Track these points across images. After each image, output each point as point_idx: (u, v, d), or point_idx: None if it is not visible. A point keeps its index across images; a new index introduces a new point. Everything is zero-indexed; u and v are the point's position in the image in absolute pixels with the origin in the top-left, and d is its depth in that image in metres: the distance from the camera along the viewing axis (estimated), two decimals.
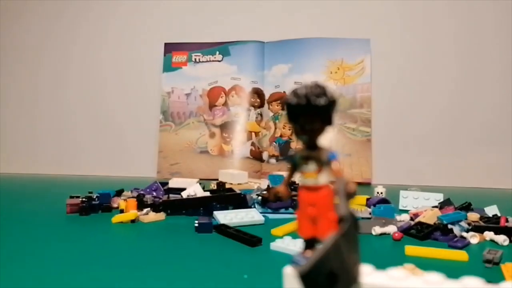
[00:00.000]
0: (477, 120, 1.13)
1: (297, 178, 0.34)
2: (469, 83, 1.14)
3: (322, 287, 0.25)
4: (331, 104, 0.31)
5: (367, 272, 0.31)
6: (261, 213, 0.67)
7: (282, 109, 0.33)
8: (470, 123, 1.14)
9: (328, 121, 0.32)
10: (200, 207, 0.68)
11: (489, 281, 0.30)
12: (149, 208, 0.67)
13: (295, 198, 0.37)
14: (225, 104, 1.21)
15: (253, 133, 1.19)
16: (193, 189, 0.73)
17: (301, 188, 0.33)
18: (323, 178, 0.32)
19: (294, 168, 0.34)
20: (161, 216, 0.65)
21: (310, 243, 0.34)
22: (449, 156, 1.13)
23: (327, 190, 0.32)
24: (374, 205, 0.68)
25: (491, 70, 1.13)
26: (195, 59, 1.23)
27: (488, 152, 1.11)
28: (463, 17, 1.15)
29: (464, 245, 0.51)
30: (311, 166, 0.32)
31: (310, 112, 0.31)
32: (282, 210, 0.69)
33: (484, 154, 1.11)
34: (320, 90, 0.31)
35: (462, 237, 0.54)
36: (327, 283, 0.26)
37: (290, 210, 0.69)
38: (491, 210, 0.67)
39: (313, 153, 0.33)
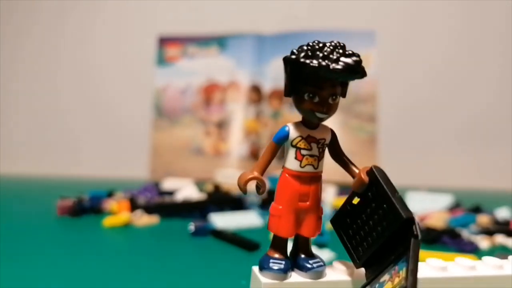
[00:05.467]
0: (489, 117, 1.14)
1: (289, 163, 0.29)
2: (481, 79, 1.15)
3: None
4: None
5: None
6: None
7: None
8: (482, 121, 1.14)
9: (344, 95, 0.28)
10: (196, 209, 0.68)
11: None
12: (142, 210, 0.67)
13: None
14: (222, 100, 1.21)
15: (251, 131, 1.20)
16: (189, 191, 0.73)
17: (291, 176, 0.29)
18: (322, 165, 0.29)
19: (277, 149, 0.29)
20: (155, 219, 0.66)
21: (282, 242, 0.30)
22: (459, 155, 1.13)
23: (320, 180, 0.29)
24: None
25: (507, 63, 1.14)
26: (191, 52, 1.23)
27: (500, 151, 1.11)
28: (475, 8, 1.15)
29: (473, 249, 0.52)
30: (314, 150, 0.28)
31: (342, 82, 0.28)
32: None
33: (496, 153, 1.12)
34: (356, 55, 0.27)
35: (471, 241, 0.55)
36: None
37: None
38: (502, 212, 0.68)
39: (316, 132, 0.28)
